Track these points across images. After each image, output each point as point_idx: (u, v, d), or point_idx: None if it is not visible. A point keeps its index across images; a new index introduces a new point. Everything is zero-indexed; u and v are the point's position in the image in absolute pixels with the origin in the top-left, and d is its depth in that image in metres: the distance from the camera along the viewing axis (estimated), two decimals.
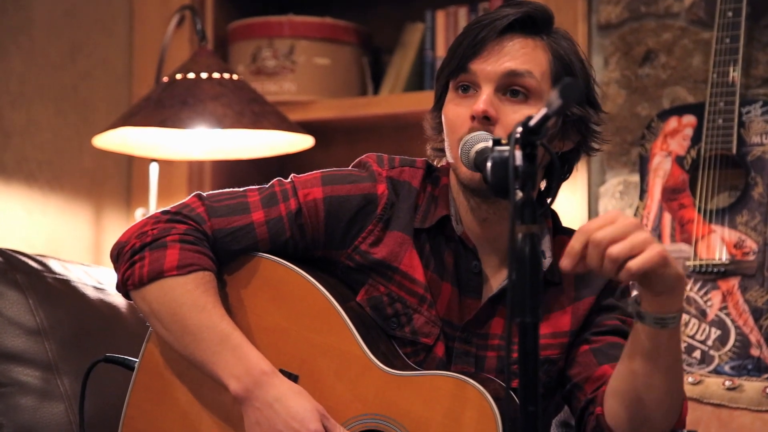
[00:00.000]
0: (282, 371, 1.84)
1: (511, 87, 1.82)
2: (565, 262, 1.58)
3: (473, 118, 1.81)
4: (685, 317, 2.80)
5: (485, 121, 1.80)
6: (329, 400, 1.83)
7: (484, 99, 1.81)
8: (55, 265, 2.40)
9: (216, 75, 3.04)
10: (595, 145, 1.91)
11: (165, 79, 3.08)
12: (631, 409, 1.75)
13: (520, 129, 1.47)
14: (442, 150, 1.92)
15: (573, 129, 1.88)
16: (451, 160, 1.87)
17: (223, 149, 3.26)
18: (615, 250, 1.56)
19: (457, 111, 1.85)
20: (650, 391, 1.72)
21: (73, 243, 3.38)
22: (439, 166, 1.97)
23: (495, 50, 1.83)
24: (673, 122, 2.92)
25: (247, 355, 1.82)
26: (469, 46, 1.83)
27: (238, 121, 2.97)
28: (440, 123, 1.91)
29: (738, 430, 2.51)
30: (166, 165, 3.40)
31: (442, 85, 1.90)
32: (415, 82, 3.45)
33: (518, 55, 1.82)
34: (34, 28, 3.30)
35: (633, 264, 1.56)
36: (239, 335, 1.84)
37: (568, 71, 1.85)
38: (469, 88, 1.85)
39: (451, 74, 1.86)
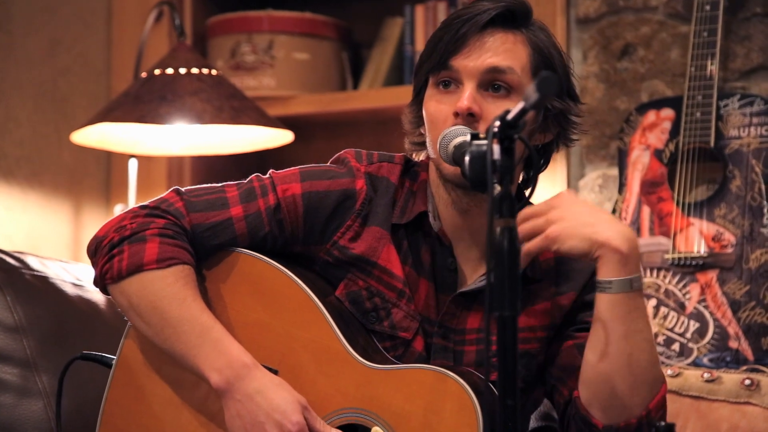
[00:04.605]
0: (262, 366, 1.84)
1: (493, 83, 1.82)
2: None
3: (457, 114, 1.80)
4: (663, 310, 2.81)
5: (469, 117, 1.80)
6: (310, 394, 1.83)
7: (467, 96, 1.80)
8: (33, 262, 2.39)
9: (195, 70, 3.03)
10: (574, 136, 1.91)
11: (144, 74, 3.07)
12: (597, 384, 1.75)
13: (497, 123, 1.47)
14: (421, 144, 1.92)
15: (553, 122, 1.88)
16: (433, 156, 1.87)
17: (203, 145, 3.25)
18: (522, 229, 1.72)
19: (439, 107, 1.84)
20: (609, 361, 1.73)
21: (53, 239, 3.36)
22: (418, 160, 1.97)
23: (476, 46, 1.82)
24: (651, 116, 2.93)
25: (228, 347, 1.82)
26: (450, 41, 1.83)
27: (217, 117, 2.97)
28: (419, 117, 1.90)
29: (717, 422, 2.51)
30: (145, 161, 3.38)
31: (421, 79, 1.90)
32: (395, 77, 3.44)
33: (500, 51, 1.82)
34: (12, 24, 3.28)
35: (524, 247, 1.71)
36: (220, 328, 1.83)
37: (548, 64, 1.85)
38: (450, 84, 1.84)
39: (432, 70, 1.86)
